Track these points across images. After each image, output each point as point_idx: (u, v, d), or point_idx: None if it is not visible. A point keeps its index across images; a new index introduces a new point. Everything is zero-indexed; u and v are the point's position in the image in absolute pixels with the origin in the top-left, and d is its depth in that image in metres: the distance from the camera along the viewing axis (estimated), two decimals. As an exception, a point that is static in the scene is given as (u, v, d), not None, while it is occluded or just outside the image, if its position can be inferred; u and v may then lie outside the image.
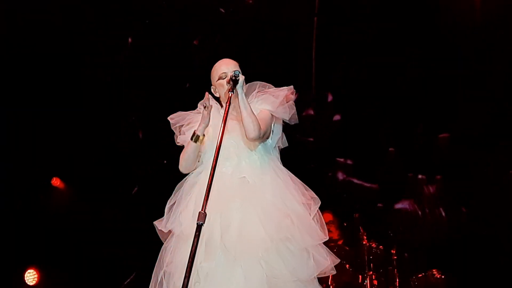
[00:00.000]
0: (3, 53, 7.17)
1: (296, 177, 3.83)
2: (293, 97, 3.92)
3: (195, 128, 3.82)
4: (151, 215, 7.30)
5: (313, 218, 3.64)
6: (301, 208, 3.66)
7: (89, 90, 7.69)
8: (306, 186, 3.79)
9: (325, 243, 3.69)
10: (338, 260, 3.73)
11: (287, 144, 4.06)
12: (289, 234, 3.57)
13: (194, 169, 3.88)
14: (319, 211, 3.70)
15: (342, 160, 8.11)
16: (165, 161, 7.52)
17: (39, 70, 7.36)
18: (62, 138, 7.52)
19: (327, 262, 3.59)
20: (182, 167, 3.86)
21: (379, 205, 7.92)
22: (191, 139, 3.80)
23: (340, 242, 7.07)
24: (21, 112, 7.36)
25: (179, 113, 4.04)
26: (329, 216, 7.19)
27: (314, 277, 3.61)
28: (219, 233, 3.54)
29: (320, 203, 3.70)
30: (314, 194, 3.75)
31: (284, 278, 3.49)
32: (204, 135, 3.81)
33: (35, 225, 7.48)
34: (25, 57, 7.24)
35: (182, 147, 3.96)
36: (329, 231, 7.02)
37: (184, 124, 3.99)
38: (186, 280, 3.27)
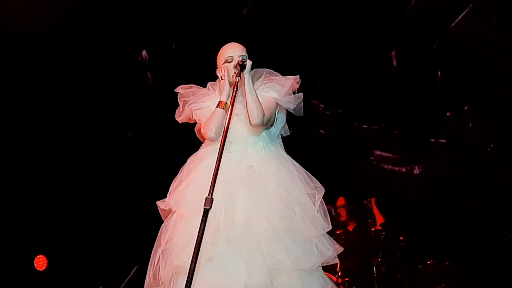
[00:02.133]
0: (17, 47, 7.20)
1: (300, 166, 3.80)
2: (297, 86, 3.92)
3: (215, 100, 3.85)
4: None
5: (317, 208, 3.62)
6: (305, 198, 3.65)
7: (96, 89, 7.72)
8: (310, 174, 3.77)
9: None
10: (342, 249, 3.72)
11: (289, 133, 4.06)
12: (293, 225, 3.55)
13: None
14: (322, 200, 3.68)
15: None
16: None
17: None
18: (69, 131, 7.55)
19: (329, 252, 3.58)
20: (213, 132, 3.73)
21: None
22: (217, 107, 3.77)
23: (349, 228, 7.05)
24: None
25: (190, 86, 4.00)
26: (342, 200, 7.20)
27: (318, 266, 3.59)
28: (223, 222, 3.52)
29: (324, 191, 3.69)
30: (318, 182, 3.73)
31: (287, 268, 3.46)
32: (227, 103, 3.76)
33: (45, 212, 7.54)
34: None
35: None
36: (339, 215, 7.18)
37: (190, 100, 3.96)
38: (192, 265, 3.25)
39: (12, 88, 7.32)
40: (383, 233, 6.70)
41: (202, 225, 3.31)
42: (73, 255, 7.53)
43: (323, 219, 3.63)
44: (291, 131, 4.11)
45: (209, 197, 3.35)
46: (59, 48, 7.43)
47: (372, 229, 6.66)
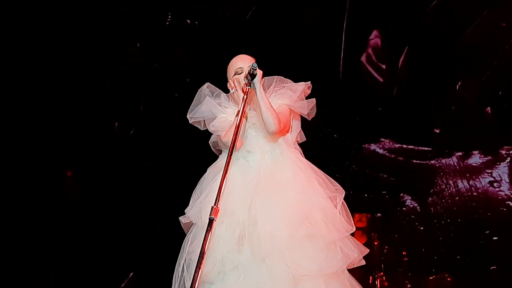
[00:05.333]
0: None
1: (318, 169, 3.84)
2: (308, 91, 3.94)
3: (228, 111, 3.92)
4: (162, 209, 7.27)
5: (338, 210, 3.66)
6: (325, 202, 3.68)
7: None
8: (329, 177, 3.80)
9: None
10: (367, 250, 3.79)
11: (305, 139, 4.09)
12: (313, 230, 3.59)
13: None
14: (344, 202, 3.71)
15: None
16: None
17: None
18: (69, 131, 7.55)
19: (354, 254, 3.64)
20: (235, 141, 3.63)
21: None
22: (237, 116, 3.73)
23: (363, 239, 7.01)
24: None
25: (195, 110, 4.00)
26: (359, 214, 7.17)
27: (343, 269, 3.63)
28: (246, 229, 3.57)
29: (344, 193, 3.71)
30: (338, 184, 3.78)
31: (312, 274, 3.51)
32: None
33: (44, 213, 7.52)
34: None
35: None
36: (360, 221, 7.11)
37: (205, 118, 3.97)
38: (196, 274, 3.27)
39: (12, 88, 7.31)
40: (386, 247, 6.72)
41: (208, 234, 3.34)
42: (73, 256, 7.50)
43: (345, 221, 3.68)
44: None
45: (215, 206, 3.38)
46: (58, 48, 7.42)
47: (376, 243, 6.66)
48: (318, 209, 3.63)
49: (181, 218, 3.85)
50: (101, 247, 7.47)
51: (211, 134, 4.04)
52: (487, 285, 6.75)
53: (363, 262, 3.73)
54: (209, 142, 4.10)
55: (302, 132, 4.06)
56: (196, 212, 3.74)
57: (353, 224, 3.69)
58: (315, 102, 3.92)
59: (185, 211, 3.81)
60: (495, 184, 7.42)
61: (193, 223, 3.79)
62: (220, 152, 4.02)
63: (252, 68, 3.63)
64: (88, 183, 7.67)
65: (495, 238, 7.00)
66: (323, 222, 3.59)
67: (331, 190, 3.72)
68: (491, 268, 6.86)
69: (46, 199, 7.56)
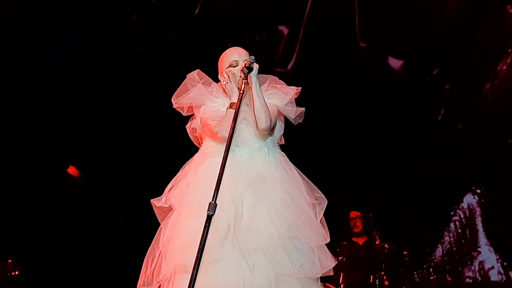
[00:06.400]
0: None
1: (303, 174, 3.76)
2: (295, 96, 3.85)
3: (219, 101, 3.79)
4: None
5: (319, 219, 3.60)
6: (308, 207, 3.61)
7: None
8: (312, 184, 3.73)
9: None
10: (335, 263, 3.69)
11: (283, 142, 3.99)
12: (298, 232, 3.52)
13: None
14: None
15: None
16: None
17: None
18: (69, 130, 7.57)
19: (331, 263, 3.58)
20: (225, 130, 3.54)
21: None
22: (230, 108, 3.66)
23: (359, 240, 6.99)
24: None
25: (183, 95, 3.82)
26: (356, 212, 7.13)
27: (318, 277, 3.58)
28: (231, 224, 3.48)
29: (326, 202, 3.66)
30: (320, 193, 3.69)
31: (292, 275, 3.46)
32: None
33: (45, 212, 7.52)
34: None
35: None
36: (355, 225, 7.15)
37: (194, 103, 3.82)
38: (194, 271, 3.22)
39: (13, 87, 7.33)
40: (387, 246, 6.69)
41: (206, 231, 3.28)
42: (73, 255, 7.52)
43: (323, 230, 3.61)
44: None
45: (213, 202, 3.30)
46: (59, 48, 7.44)
47: (377, 242, 6.63)
48: (302, 213, 3.56)
49: (154, 201, 3.66)
50: (100, 247, 7.47)
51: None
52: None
53: (331, 273, 3.65)
54: (187, 127, 3.88)
55: (282, 136, 3.93)
56: (178, 198, 3.59)
57: (328, 235, 3.59)
58: (303, 110, 3.81)
59: (166, 190, 3.63)
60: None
61: (170, 209, 3.61)
62: (197, 139, 3.88)
63: (250, 61, 3.55)
64: (88, 183, 7.69)
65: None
66: (305, 227, 3.53)
67: (313, 197, 3.63)
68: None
69: (47, 198, 7.57)
